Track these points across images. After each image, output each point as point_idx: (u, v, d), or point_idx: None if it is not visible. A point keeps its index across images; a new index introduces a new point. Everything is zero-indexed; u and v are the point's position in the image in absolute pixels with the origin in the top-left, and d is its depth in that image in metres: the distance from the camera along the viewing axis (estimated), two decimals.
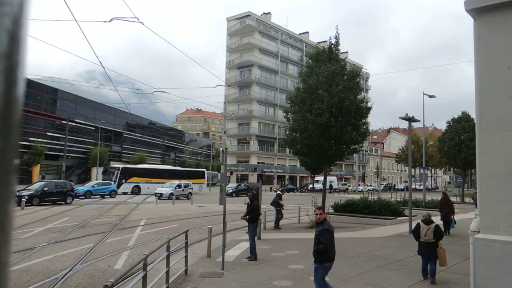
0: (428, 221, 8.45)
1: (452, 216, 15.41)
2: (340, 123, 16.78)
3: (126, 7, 11.69)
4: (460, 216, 21.28)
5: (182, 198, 36.22)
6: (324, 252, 6.15)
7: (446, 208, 15.42)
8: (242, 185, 48.47)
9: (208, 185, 52.31)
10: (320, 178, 55.50)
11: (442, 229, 9.90)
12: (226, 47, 68.28)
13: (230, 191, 43.32)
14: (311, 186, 60.14)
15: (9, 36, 0.46)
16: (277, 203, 17.41)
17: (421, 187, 41.26)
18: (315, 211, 6.78)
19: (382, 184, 68.12)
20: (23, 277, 8.14)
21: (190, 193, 37.19)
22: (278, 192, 18.89)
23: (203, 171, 51.71)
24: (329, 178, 58.56)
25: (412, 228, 9.54)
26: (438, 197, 32.90)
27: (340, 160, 19.64)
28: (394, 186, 74.59)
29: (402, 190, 59.10)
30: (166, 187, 36.61)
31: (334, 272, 8.79)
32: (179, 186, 37.13)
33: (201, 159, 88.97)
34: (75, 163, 57.65)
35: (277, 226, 16.68)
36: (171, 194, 34.75)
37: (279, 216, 17.03)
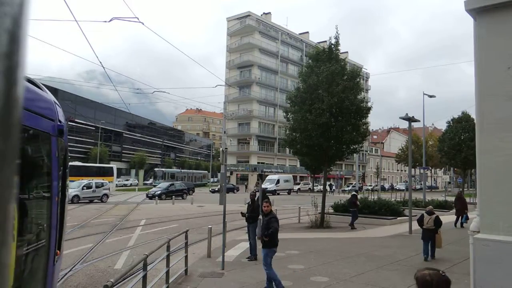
0: (430, 212, 10.70)
1: (465, 212, 17.89)
2: (340, 123, 16.77)
3: (126, 7, 11.68)
4: None
5: (96, 201, 30.19)
6: (273, 237, 7.24)
7: (458, 205, 18.05)
8: (178, 184, 40.42)
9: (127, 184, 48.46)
10: (272, 177, 51.74)
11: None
12: (226, 47, 68.29)
13: (159, 192, 35.04)
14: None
15: (9, 36, 0.46)
16: (353, 204, 17.69)
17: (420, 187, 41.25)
18: (262, 204, 8.12)
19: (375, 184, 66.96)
20: None
21: (105, 195, 31.16)
22: (353, 193, 19.36)
23: (112, 167, 46.19)
24: (283, 176, 54.25)
25: (418, 218, 11.34)
26: (438, 197, 32.97)
27: (340, 160, 19.64)
28: (380, 187, 65.93)
29: (394, 190, 59.16)
30: (72, 188, 28.45)
31: (334, 272, 8.80)
32: (87, 186, 30.20)
33: (201, 159, 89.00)
34: None
35: (353, 227, 16.94)
36: (76, 196, 28.47)
37: (355, 217, 17.33)
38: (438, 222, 10.47)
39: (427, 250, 10.44)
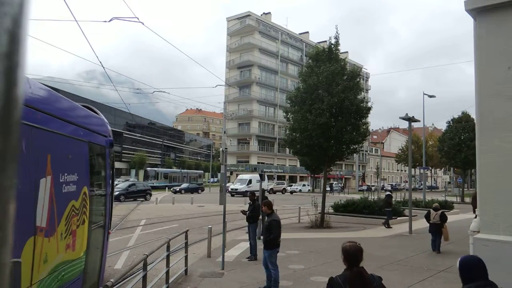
0: (436, 208, 12.18)
1: None
2: (340, 123, 16.77)
3: (126, 7, 11.68)
4: (460, 216, 21.33)
5: None
6: (274, 240, 7.44)
7: (475, 204, 18.16)
8: (140, 184, 36.94)
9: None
10: (244, 176, 46.72)
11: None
12: (226, 47, 68.30)
13: (117, 193, 29.88)
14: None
15: (9, 36, 0.46)
16: (389, 204, 17.85)
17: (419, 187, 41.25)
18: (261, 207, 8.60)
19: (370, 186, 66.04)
20: None
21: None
22: (388, 193, 19.43)
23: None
24: (256, 176, 46.10)
25: (425, 214, 12.81)
26: (438, 197, 32.97)
27: (340, 160, 19.64)
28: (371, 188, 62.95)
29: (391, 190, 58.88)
30: None
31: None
32: None
33: (201, 159, 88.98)
34: None
35: (389, 225, 17.11)
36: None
37: (390, 216, 17.47)
38: (443, 217, 11.72)
39: (434, 242, 11.66)
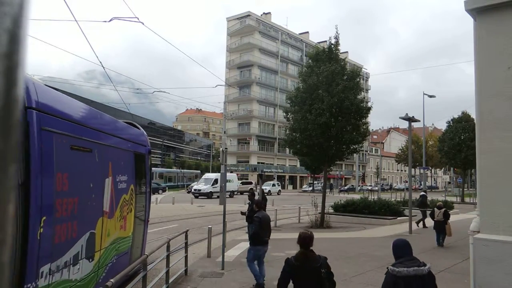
0: (440, 207, 13.28)
1: None
2: (340, 123, 16.76)
3: (126, 7, 11.68)
4: (460, 216, 21.33)
5: None
6: (255, 237, 7.63)
7: None
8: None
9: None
10: (209, 175, 42.12)
11: None
12: (226, 47, 68.28)
13: None
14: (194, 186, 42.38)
15: (9, 36, 0.46)
16: (424, 204, 17.98)
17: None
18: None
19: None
20: None
21: None
22: (423, 193, 19.46)
23: None
24: (217, 174, 39.98)
25: (430, 212, 13.98)
26: (438, 197, 32.93)
27: (340, 160, 19.64)
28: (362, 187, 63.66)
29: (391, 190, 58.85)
30: None
31: (334, 272, 8.78)
32: None
33: (201, 159, 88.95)
34: None
35: (424, 225, 17.21)
36: None
37: (425, 216, 17.42)
38: (446, 215, 12.87)
39: (438, 238, 12.80)
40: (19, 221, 3.78)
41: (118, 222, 6.48)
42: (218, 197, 33.79)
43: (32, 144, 3.94)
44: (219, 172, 48.05)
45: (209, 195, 37.97)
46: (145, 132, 9.00)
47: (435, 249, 12.27)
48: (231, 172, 58.69)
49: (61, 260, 4.54)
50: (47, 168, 4.22)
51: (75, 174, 4.89)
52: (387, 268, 3.60)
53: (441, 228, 12.75)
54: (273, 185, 49.70)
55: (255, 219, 7.74)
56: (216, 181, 38.67)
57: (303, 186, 63.27)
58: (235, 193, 42.85)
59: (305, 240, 4.30)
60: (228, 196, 38.64)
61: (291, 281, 4.23)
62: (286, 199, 39.07)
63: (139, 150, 8.07)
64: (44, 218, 4.10)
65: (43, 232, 4.07)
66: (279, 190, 50.67)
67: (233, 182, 43.07)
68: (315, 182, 58.94)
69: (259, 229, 7.56)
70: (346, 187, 63.55)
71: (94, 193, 5.48)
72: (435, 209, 13.32)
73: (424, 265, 3.51)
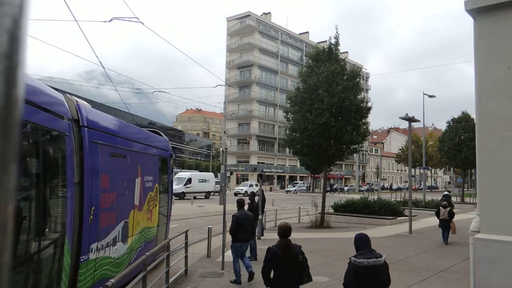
0: (445, 206, 13.91)
1: None
2: (340, 123, 16.76)
3: (126, 7, 11.69)
4: (460, 216, 21.30)
5: None
6: (232, 234, 8.08)
7: None
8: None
9: None
10: (182, 174, 38.63)
11: None
12: (226, 47, 68.27)
13: None
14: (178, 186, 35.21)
15: (9, 36, 0.46)
16: (449, 204, 17.98)
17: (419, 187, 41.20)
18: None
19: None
20: None
21: None
22: (446, 193, 19.72)
23: None
24: (198, 174, 40.18)
25: (435, 211, 14.44)
26: (438, 197, 32.90)
27: (340, 160, 19.64)
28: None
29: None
30: None
31: (334, 272, 8.78)
32: None
33: (201, 159, 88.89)
34: None
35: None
36: None
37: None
38: (451, 213, 13.54)
39: (444, 235, 13.43)
40: (77, 210, 4.98)
41: (145, 215, 7.83)
42: (194, 198, 32.70)
43: (85, 153, 5.22)
44: (207, 172, 47.13)
45: (180, 196, 34.13)
46: (167, 139, 10.49)
47: (435, 249, 12.27)
48: (231, 172, 58.67)
49: (105, 241, 5.85)
50: (95, 170, 5.49)
51: (113, 175, 6.16)
52: (350, 259, 4.08)
53: (446, 226, 13.42)
54: (250, 185, 45.20)
55: (232, 218, 8.19)
56: (189, 180, 36.53)
57: (288, 186, 61.26)
58: (212, 193, 39.11)
59: (285, 231, 4.84)
60: (203, 197, 37.02)
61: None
62: (286, 199, 39.08)
63: (163, 155, 9.56)
64: (93, 208, 5.38)
65: (93, 218, 5.35)
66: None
67: (209, 182, 39.65)
68: (300, 182, 58.86)
69: (234, 227, 7.99)
70: (334, 187, 60.09)
71: (127, 190, 6.81)
72: (441, 208, 13.94)
73: (381, 256, 4.03)
